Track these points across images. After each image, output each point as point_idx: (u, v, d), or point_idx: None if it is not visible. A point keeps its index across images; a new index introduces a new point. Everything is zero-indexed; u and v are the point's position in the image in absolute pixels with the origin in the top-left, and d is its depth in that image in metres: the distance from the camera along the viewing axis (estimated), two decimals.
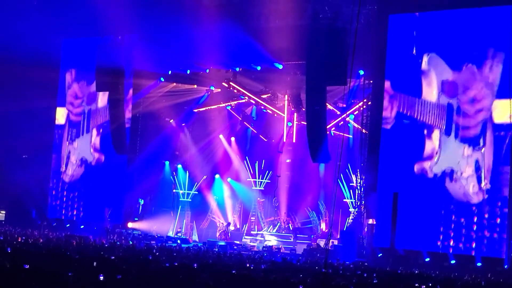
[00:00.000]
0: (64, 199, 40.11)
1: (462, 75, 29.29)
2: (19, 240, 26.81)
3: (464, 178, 29.07)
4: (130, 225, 37.86)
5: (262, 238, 36.98)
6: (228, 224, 38.64)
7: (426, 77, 30.17)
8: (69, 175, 40.44)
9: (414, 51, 30.54)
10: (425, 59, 30.23)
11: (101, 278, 14.72)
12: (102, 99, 38.68)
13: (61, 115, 41.23)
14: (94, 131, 39.63)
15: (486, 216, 28.24)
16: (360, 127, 32.92)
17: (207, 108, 40.53)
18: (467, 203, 28.67)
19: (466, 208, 28.67)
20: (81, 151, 40.11)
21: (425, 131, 29.98)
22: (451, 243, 28.58)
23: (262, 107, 39.51)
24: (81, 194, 39.40)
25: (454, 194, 29.09)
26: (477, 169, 28.70)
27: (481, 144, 28.79)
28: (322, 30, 29.66)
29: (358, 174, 32.02)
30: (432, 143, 29.92)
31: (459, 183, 29.14)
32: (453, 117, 29.51)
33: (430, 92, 30.01)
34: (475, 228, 28.33)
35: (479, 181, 28.66)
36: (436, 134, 29.94)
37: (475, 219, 28.44)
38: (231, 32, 32.27)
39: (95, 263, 17.38)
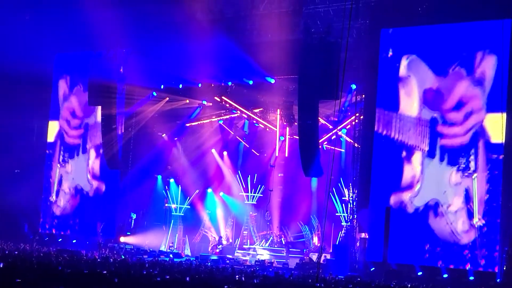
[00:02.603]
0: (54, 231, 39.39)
1: (448, 81, 27.34)
2: (11, 254, 26.73)
3: (452, 213, 26.64)
4: (122, 239, 37.75)
5: (255, 252, 36.92)
6: (220, 237, 38.55)
7: (404, 85, 28.45)
8: (61, 207, 39.11)
9: (390, 52, 28.93)
10: (403, 63, 28.51)
11: None
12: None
13: (52, 131, 40.05)
14: (92, 152, 38.47)
15: (483, 262, 25.94)
16: (352, 141, 32.96)
17: (199, 122, 40.56)
18: (455, 245, 26.49)
19: (455, 251, 26.47)
20: (75, 177, 38.91)
21: (404, 153, 28.01)
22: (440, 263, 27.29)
23: (254, 121, 39.55)
24: (74, 223, 38.32)
25: (439, 233, 26.88)
26: (467, 200, 26.36)
27: (473, 168, 26.30)
28: (314, 45, 29.69)
29: (351, 188, 32.01)
30: (412, 169, 27.86)
31: (445, 218, 26.75)
32: (438, 135, 27.23)
33: (410, 104, 28.15)
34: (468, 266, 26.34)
35: (469, 216, 26.26)
36: (417, 157, 27.73)
37: (468, 266, 26.24)
38: (223, 47, 32.38)
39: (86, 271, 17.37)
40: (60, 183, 39.51)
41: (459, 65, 26.94)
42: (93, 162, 38.45)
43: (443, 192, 26.80)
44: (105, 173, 37.72)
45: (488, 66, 26.43)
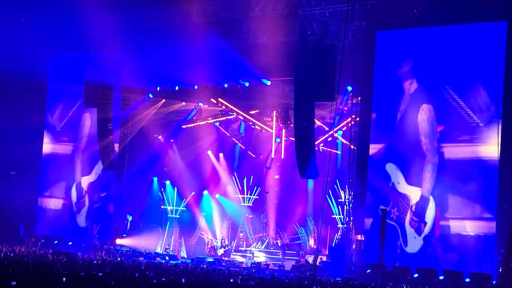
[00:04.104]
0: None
1: (444, 101, 27.63)
2: (6, 256, 26.69)
3: (450, 226, 27.19)
4: (118, 241, 37.69)
5: (251, 255, 36.89)
6: (222, 240, 38.52)
7: (404, 99, 28.82)
8: (56, 215, 39.03)
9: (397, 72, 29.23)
10: (407, 83, 28.80)
11: None
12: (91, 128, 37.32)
13: (47, 141, 39.81)
14: (87, 162, 38.19)
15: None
16: (348, 143, 32.96)
17: (195, 124, 40.55)
18: (455, 257, 27.11)
19: (454, 262, 27.09)
20: (70, 185, 38.66)
21: (401, 165, 28.51)
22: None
23: (250, 123, 39.58)
24: (70, 227, 38.27)
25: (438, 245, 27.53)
26: (466, 212, 26.78)
27: (472, 181, 26.68)
28: (310, 47, 29.74)
29: (347, 190, 32.02)
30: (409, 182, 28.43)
31: (443, 230, 27.25)
32: (439, 148, 27.61)
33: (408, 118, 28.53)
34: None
35: (468, 229, 26.72)
36: (414, 169, 28.26)
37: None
38: (219, 49, 32.39)
39: (82, 273, 17.36)
40: (55, 191, 39.31)
41: (459, 76, 27.24)
42: (88, 172, 38.22)
43: (441, 204, 27.18)
44: (101, 183, 37.69)
45: (490, 76, 26.59)
